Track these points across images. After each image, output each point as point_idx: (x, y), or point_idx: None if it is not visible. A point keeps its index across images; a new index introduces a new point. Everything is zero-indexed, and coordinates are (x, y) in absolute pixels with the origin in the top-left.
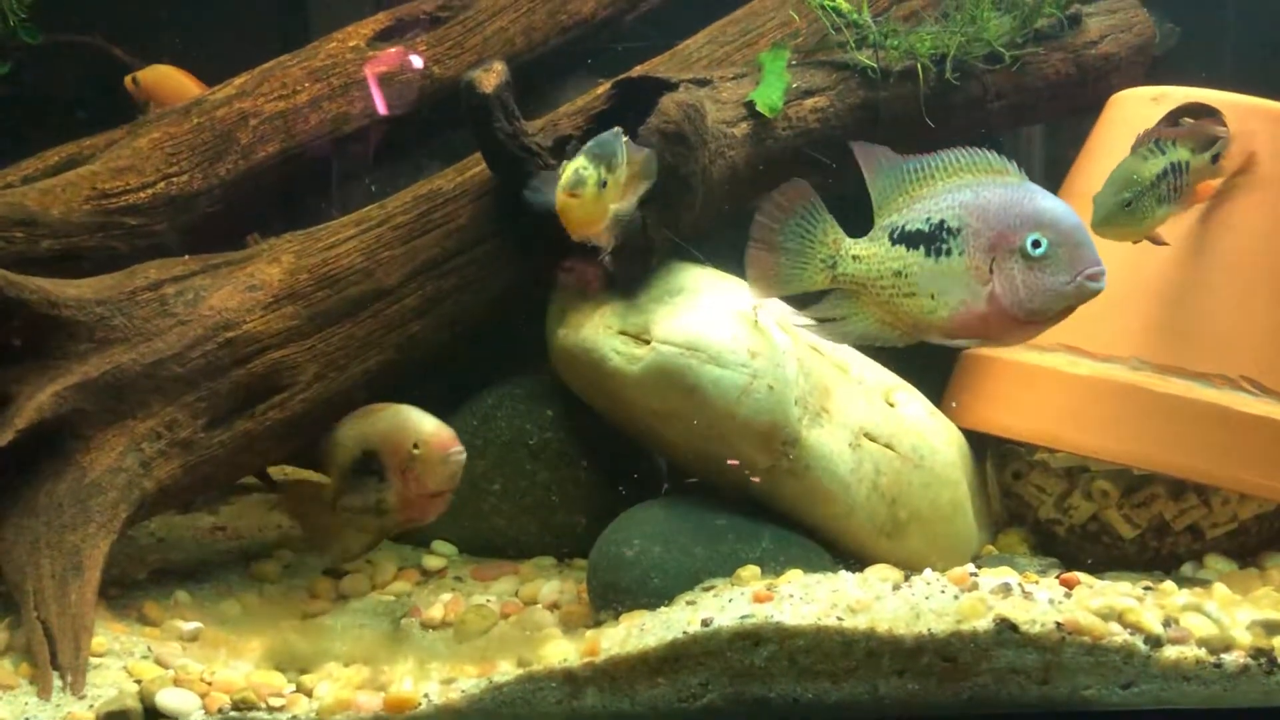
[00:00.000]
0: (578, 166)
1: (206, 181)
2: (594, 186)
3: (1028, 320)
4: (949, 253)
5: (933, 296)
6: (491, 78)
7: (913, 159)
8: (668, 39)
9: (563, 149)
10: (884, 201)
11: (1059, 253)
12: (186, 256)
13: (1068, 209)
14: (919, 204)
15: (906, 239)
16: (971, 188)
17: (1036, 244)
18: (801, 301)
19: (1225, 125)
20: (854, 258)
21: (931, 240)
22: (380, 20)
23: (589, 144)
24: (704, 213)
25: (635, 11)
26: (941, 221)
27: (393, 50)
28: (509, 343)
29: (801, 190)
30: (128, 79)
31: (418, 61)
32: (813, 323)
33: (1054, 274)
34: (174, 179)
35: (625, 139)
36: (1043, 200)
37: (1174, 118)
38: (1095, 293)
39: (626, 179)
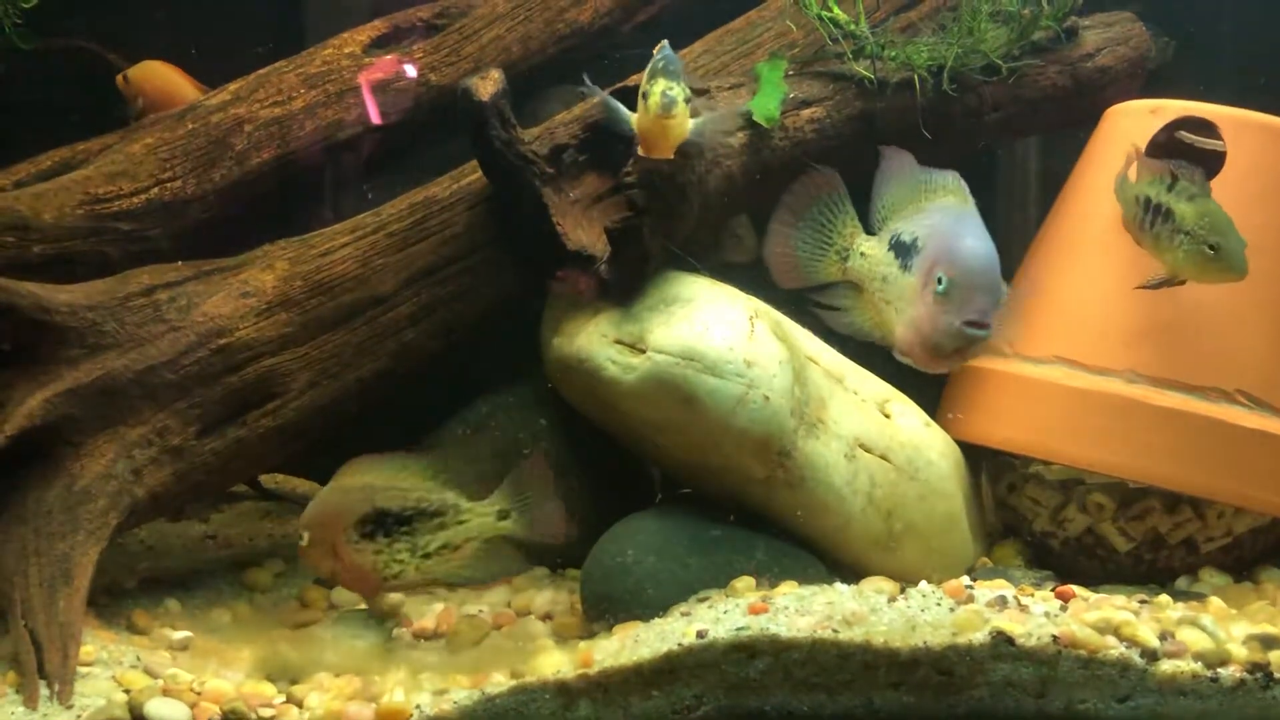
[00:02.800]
0: (664, 88)
1: (200, 187)
2: (684, 104)
3: (929, 353)
4: (908, 270)
5: (897, 310)
6: (488, 85)
7: (926, 171)
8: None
9: (559, 157)
10: (897, 206)
11: (953, 293)
12: (180, 262)
13: (983, 252)
14: (916, 216)
15: (896, 247)
16: (943, 211)
17: (940, 280)
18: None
19: (1221, 138)
20: (861, 254)
21: (906, 254)
22: (377, 27)
23: (659, 64)
24: (700, 222)
25: (632, 21)
26: (915, 239)
27: (389, 57)
28: (503, 351)
29: (829, 180)
30: (119, 77)
31: (413, 69)
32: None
33: (947, 313)
34: (168, 184)
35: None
36: (965, 239)
37: (1169, 131)
38: (974, 340)
39: None
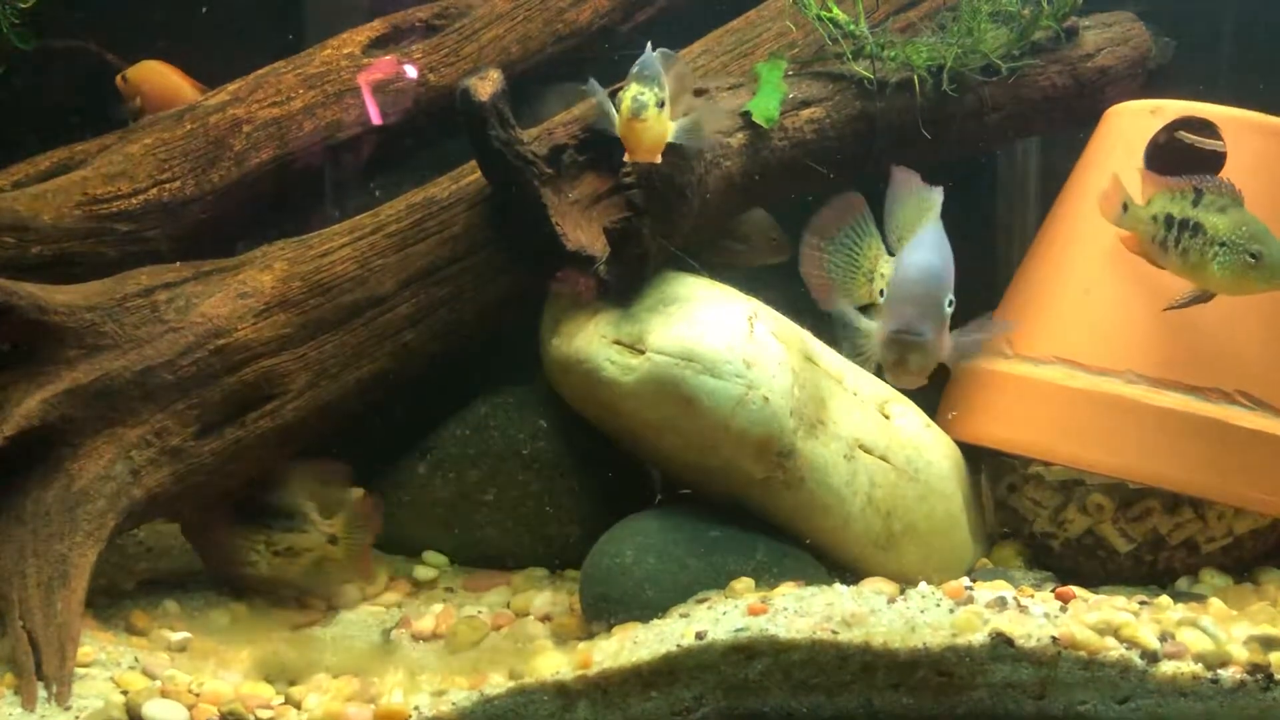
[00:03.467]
0: (635, 93)
1: (199, 188)
2: (655, 108)
3: (884, 366)
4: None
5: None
6: (487, 85)
7: (927, 189)
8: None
9: (558, 157)
10: (909, 227)
11: (888, 304)
12: (178, 263)
13: (923, 268)
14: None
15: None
16: (932, 228)
17: (882, 291)
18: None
19: (1221, 138)
20: (881, 275)
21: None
22: (375, 27)
23: (635, 68)
24: (699, 222)
25: (631, 21)
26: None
27: (388, 58)
28: (502, 351)
29: (855, 203)
30: (118, 77)
31: (412, 70)
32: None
33: (883, 323)
34: (166, 185)
35: (657, 52)
36: (915, 253)
37: (1170, 130)
38: (902, 346)
39: (671, 94)
